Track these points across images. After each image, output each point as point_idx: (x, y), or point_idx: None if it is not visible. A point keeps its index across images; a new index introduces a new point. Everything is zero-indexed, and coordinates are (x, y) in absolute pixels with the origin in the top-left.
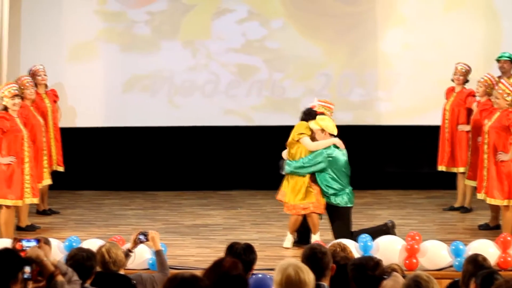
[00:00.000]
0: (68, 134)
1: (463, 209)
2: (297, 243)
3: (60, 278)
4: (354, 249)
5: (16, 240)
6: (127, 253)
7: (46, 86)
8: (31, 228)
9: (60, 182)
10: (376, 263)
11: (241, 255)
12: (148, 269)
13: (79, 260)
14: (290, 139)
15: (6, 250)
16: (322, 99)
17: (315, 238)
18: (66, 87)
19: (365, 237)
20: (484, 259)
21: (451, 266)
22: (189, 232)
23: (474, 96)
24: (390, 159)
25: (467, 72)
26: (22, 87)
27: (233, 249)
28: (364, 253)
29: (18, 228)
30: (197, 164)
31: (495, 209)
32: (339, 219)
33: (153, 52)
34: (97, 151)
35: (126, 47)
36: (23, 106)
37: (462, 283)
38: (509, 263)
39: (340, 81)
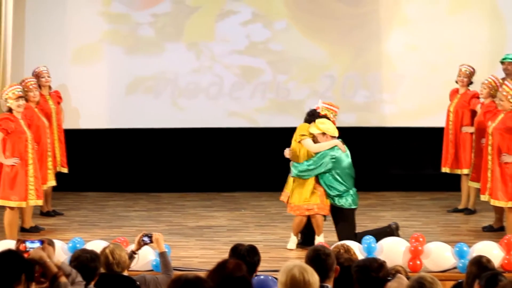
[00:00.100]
0: (72, 136)
1: (467, 211)
2: (301, 244)
3: (63, 279)
4: (358, 250)
5: (20, 241)
6: (131, 255)
7: (49, 87)
8: (35, 230)
9: (64, 184)
10: (380, 264)
11: (245, 256)
12: (152, 270)
13: (83, 261)
14: (292, 141)
15: (9, 251)
16: (326, 101)
17: (319, 240)
18: (70, 89)
19: (368, 238)
20: (488, 260)
21: (455, 268)
22: (193, 234)
23: (478, 98)
24: (394, 160)
25: (471, 74)
26: (26, 89)
27: (237, 250)
28: (368, 254)
29: (22, 230)
30: (201, 166)
31: (499, 211)
32: (343, 220)
33: (157, 54)
34: (101, 153)
35: (130, 49)
36: (27, 107)
37: (466, 284)
38: None
39: (344, 82)
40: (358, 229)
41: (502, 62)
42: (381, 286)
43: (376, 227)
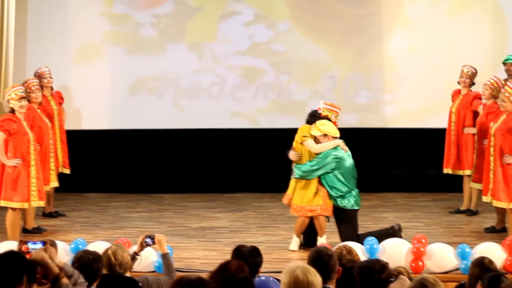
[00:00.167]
0: (74, 137)
1: (469, 212)
2: (304, 245)
3: (65, 280)
4: (360, 251)
5: (22, 242)
6: (134, 256)
7: (51, 88)
8: (37, 231)
9: (66, 185)
10: (383, 266)
11: (247, 258)
12: (154, 271)
13: (86, 262)
14: (294, 142)
15: (11, 252)
16: (328, 102)
17: (321, 241)
18: (72, 89)
19: (371, 239)
20: (491, 262)
21: (457, 269)
22: (196, 235)
23: (480, 98)
24: (396, 161)
25: (473, 74)
26: (28, 90)
27: (239, 252)
28: (370, 256)
29: (25, 231)
30: (203, 167)
31: (502, 212)
32: (346, 221)
33: (159, 54)
34: (103, 154)
35: (132, 50)
36: (30, 108)
37: (468, 286)
38: None
39: (346, 83)
40: (361, 230)
41: (504, 63)
42: (383, 287)
43: (378, 228)
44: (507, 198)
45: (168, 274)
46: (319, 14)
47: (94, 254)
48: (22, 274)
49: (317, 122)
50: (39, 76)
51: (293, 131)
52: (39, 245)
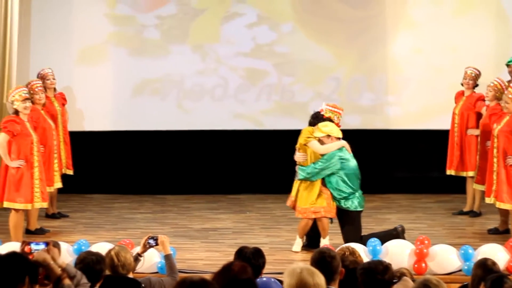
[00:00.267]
0: (78, 138)
1: (473, 213)
2: (306, 247)
3: (67, 281)
4: (363, 253)
5: (25, 243)
6: (137, 257)
7: (54, 89)
8: (40, 232)
9: (69, 186)
10: (386, 267)
11: (250, 259)
12: (157, 272)
13: (89, 263)
14: (298, 143)
15: (13, 253)
16: (330, 103)
17: (324, 242)
18: (75, 91)
19: (374, 241)
20: (494, 263)
21: (460, 270)
22: (198, 236)
23: (483, 100)
24: (400, 163)
25: (476, 76)
26: (32, 92)
27: (242, 253)
28: (373, 257)
29: (27, 232)
30: (206, 168)
31: (505, 213)
32: (349, 223)
33: (163, 56)
34: (106, 155)
35: (136, 51)
36: (33, 109)
37: (471, 287)
38: None
39: (349, 85)
40: (364, 232)
41: (507, 65)
42: None
43: (381, 229)
44: (510, 200)
45: (171, 275)
46: (322, 15)
47: (97, 255)
48: (24, 275)
49: (319, 124)
50: (42, 77)
51: (296, 132)
52: (42, 246)
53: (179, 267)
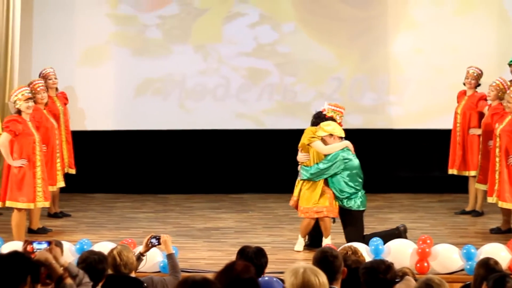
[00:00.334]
0: (80, 137)
1: (475, 213)
2: (309, 246)
3: (68, 281)
4: (366, 252)
5: (27, 242)
6: (139, 257)
7: (56, 89)
8: (42, 231)
9: (71, 185)
10: (388, 266)
11: (252, 259)
12: (159, 272)
13: (91, 263)
14: (300, 144)
15: (15, 253)
16: (332, 103)
17: (326, 242)
18: (77, 90)
19: (376, 240)
20: (496, 262)
21: (462, 270)
22: (201, 235)
23: (485, 100)
24: (402, 162)
25: (478, 76)
26: (34, 92)
27: (244, 252)
28: (375, 256)
29: (30, 231)
30: (209, 168)
31: (507, 213)
32: (352, 222)
33: (165, 56)
34: (108, 154)
35: (138, 51)
36: (36, 109)
37: (473, 286)
38: None
39: (351, 85)
40: (366, 231)
41: (509, 64)
42: None
43: (384, 229)
44: None
45: (173, 275)
46: (324, 15)
47: (99, 254)
48: (26, 274)
49: (321, 123)
50: (44, 77)
51: (298, 132)
52: (44, 245)
53: (182, 266)
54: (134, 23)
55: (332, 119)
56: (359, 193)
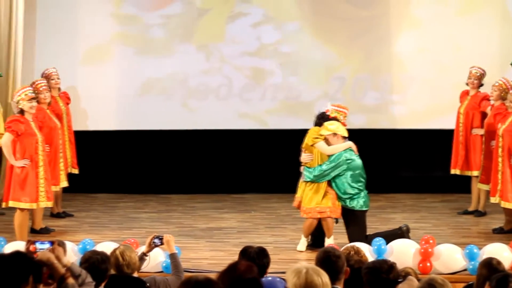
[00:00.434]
0: (83, 137)
1: (477, 213)
2: (311, 246)
3: (70, 280)
4: (368, 252)
5: (30, 242)
6: (142, 257)
7: (59, 89)
8: (45, 231)
9: (74, 185)
10: (390, 266)
11: (254, 259)
12: (162, 272)
13: (94, 263)
14: (304, 144)
15: (17, 253)
16: (335, 103)
17: (328, 242)
18: (80, 90)
19: (379, 240)
20: (499, 262)
21: (465, 270)
22: (203, 235)
23: (488, 99)
24: (404, 162)
25: (481, 75)
26: (37, 92)
27: (246, 253)
28: (378, 256)
29: (32, 231)
30: (211, 167)
31: (510, 213)
32: (354, 222)
33: (168, 55)
34: (111, 154)
35: (141, 51)
36: (39, 109)
37: (476, 286)
38: None
39: (354, 84)
40: (369, 231)
41: None
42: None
43: (386, 229)
44: None
45: (176, 274)
46: (327, 15)
47: (102, 254)
48: (28, 274)
49: (325, 123)
50: (46, 77)
51: (301, 132)
52: (47, 245)
53: (184, 266)
54: (137, 23)
55: (335, 119)
56: (362, 193)
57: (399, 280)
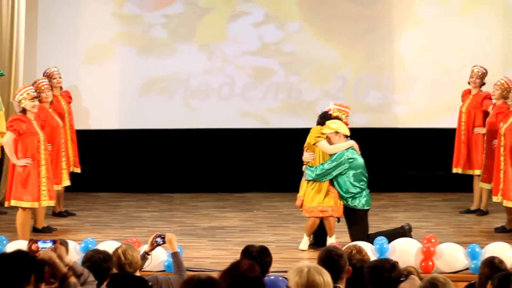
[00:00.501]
0: (85, 136)
1: (480, 212)
2: (313, 245)
3: (72, 279)
4: (370, 251)
5: (32, 241)
6: (144, 256)
7: (60, 88)
8: (47, 230)
9: (76, 184)
10: (393, 265)
11: (256, 258)
12: (164, 271)
13: (96, 262)
14: (306, 143)
15: (19, 252)
16: (337, 102)
17: (331, 241)
18: (82, 89)
19: (381, 239)
20: (501, 261)
21: (467, 269)
22: (205, 234)
23: (490, 99)
24: (406, 161)
25: (483, 75)
26: (39, 91)
27: (248, 252)
28: (380, 255)
29: (35, 230)
30: (213, 166)
31: None
32: (356, 221)
33: (170, 55)
34: (113, 153)
35: (143, 50)
36: (41, 108)
37: (478, 285)
38: None
39: (356, 84)
40: (371, 230)
41: None
42: (393, 286)
43: (388, 228)
44: None
45: (178, 273)
46: (329, 14)
47: (104, 253)
48: (30, 273)
49: (327, 121)
50: (48, 76)
51: (303, 131)
52: (49, 244)
53: (186, 265)
54: (139, 22)
55: (338, 118)
56: (364, 192)
57: (401, 279)
